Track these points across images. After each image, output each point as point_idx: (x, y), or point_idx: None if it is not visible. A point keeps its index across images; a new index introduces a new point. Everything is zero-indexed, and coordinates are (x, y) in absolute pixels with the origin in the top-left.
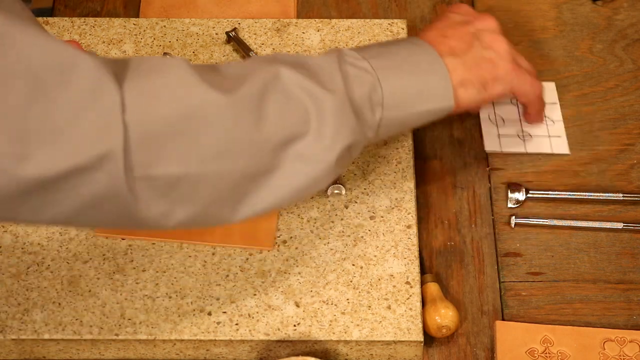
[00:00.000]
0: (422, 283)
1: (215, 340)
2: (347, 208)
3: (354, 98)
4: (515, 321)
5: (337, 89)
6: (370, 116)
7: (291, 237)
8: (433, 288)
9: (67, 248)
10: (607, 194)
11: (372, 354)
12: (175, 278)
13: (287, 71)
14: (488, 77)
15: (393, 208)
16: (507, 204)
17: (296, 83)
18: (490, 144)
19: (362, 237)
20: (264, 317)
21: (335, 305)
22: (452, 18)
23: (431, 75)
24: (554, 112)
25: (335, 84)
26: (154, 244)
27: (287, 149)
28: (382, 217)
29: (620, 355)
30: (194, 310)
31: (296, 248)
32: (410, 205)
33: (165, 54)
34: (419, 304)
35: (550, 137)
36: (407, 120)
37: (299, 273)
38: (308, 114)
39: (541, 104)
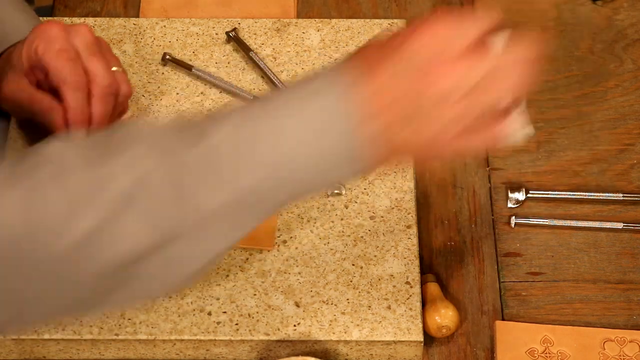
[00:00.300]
0: (422, 283)
1: (215, 340)
2: (347, 208)
3: (243, 186)
4: (515, 321)
5: (223, 183)
6: (260, 205)
7: (291, 237)
8: (433, 288)
9: None
10: (607, 194)
11: (372, 354)
12: None
13: (157, 168)
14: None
15: (393, 208)
16: (507, 204)
17: (166, 183)
18: None
19: (362, 237)
20: (264, 317)
21: (335, 305)
22: (414, 60)
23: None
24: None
25: (223, 177)
26: None
27: (158, 253)
28: (382, 217)
29: (620, 355)
30: (194, 310)
31: (296, 248)
32: (410, 205)
33: (165, 54)
34: (419, 304)
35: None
36: (313, 191)
37: (299, 273)
38: (177, 220)
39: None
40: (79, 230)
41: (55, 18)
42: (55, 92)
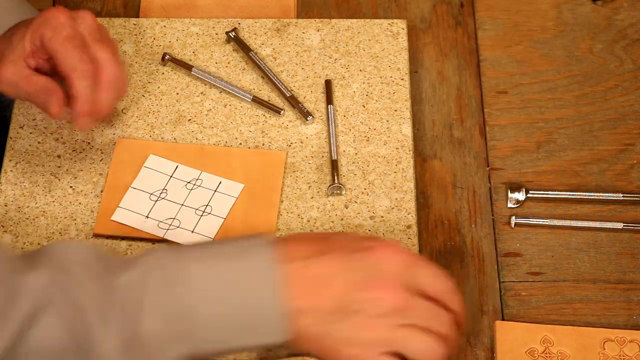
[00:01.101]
0: None
1: None
2: (347, 208)
3: (141, 332)
4: (515, 321)
5: (122, 325)
6: (164, 351)
7: None
8: None
9: None
10: (607, 194)
11: None
12: None
13: (61, 304)
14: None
15: (393, 208)
16: (507, 204)
17: (68, 323)
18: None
19: None
20: None
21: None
22: (368, 269)
23: (264, 327)
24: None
25: (122, 319)
26: (154, 243)
27: None
28: (382, 217)
29: (620, 355)
30: None
31: None
32: (410, 205)
33: (165, 54)
34: None
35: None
36: (223, 352)
37: None
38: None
39: None
40: (8, 332)
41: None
42: (54, 76)
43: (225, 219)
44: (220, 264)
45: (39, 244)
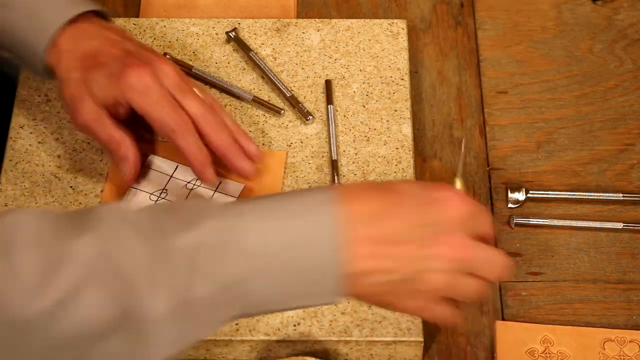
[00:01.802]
0: None
1: (215, 340)
2: None
3: (193, 298)
4: (515, 321)
5: (173, 291)
6: (216, 315)
7: None
8: None
9: None
10: (607, 194)
11: (372, 354)
12: None
13: (119, 255)
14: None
15: None
16: (507, 204)
17: (115, 293)
18: None
19: None
20: (264, 317)
21: (335, 305)
22: (417, 213)
23: (321, 292)
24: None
25: (174, 284)
26: None
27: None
28: None
29: (620, 355)
30: None
31: None
32: None
33: (165, 54)
34: None
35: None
36: (274, 312)
37: None
38: (124, 322)
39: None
40: (50, 296)
41: None
42: (133, 122)
43: None
44: (281, 224)
45: None
